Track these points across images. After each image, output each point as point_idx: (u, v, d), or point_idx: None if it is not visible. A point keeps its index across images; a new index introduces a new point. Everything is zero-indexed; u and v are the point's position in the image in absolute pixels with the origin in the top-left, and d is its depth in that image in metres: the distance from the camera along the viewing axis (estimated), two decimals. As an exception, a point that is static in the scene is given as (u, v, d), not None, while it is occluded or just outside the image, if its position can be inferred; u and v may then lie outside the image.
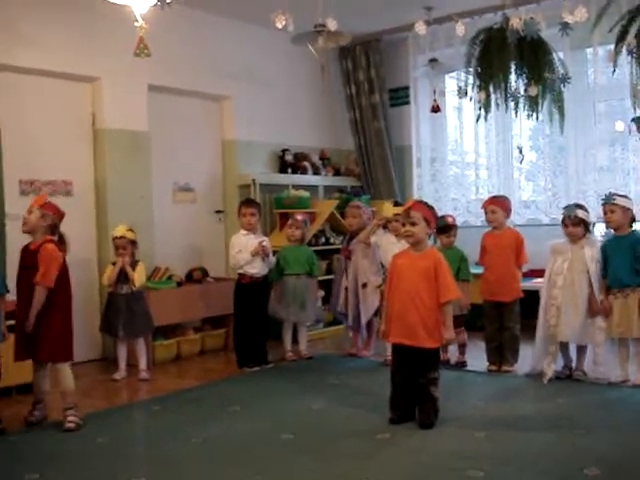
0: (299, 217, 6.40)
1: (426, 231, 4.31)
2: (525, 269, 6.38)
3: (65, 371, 4.43)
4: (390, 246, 5.87)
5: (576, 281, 5.09)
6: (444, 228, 5.77)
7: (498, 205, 5.64)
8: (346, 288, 6.18)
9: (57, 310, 4.39)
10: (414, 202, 4.44)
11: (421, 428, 4.14)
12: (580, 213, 5.16)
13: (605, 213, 5.08)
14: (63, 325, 4.43)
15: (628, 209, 5.04)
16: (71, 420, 4.36)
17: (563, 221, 5.22)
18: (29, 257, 4.41)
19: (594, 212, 7.02)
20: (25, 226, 4.50)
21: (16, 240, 5.68)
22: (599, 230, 6.59)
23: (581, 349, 5.28)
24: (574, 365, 5.30)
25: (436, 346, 4.24)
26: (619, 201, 5.02)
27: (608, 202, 5.04)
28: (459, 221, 7.64)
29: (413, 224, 4.25)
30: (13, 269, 5.43)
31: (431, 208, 4.45)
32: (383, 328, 4.42)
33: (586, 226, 5.17)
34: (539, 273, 5.71)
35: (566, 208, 5.28)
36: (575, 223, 5.14)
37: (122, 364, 5.79)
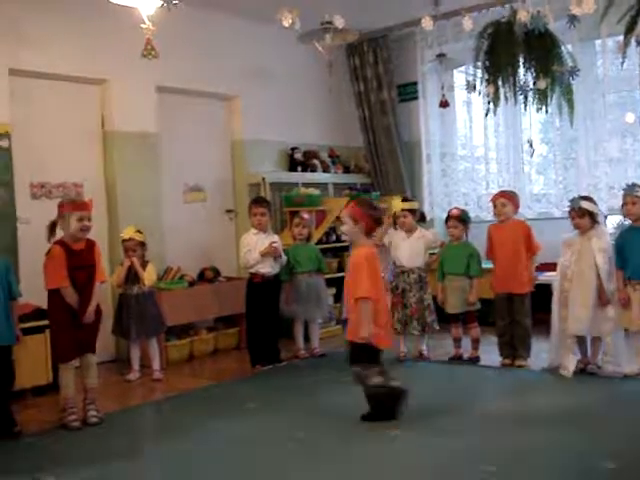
0: (305, 216, 6.41)
1: (354, 230, 4.40)
2: (537, 262, 6.37)
3: (95, 365, 4.64)
4: (400, 242, 5.87)
5: (585, 273, 5.08)
6: (446, 219, 5.91)
7: (508, 198, 5.62)
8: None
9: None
10: (350, 203, 4.59)
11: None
12: (585, 204, 5.14)
13: (625, 204, 5.04)
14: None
15: None
16: (95, 415, 4.49)
17: (569, 213, 5.22)
18: (77, 258, 4.50)
19: (606, 204, 7.02)
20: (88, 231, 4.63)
21: (28, 244, 5.73)
22: (612, 222, 6.57)
23: (595, 342, 5.25)
24: (589, 358, 5.28)
25: (358, 342, 4.28)
26: None
27: (630, 193, 5.00)
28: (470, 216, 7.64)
29: (342, 224, 4.45)
30: (26, 272, 5.49)
31: (363, 206, 4.49)
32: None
33: (593, 218, 5.15)
34: (550, 267, 5.69)
35: (571, 200, 5.28)
36: (581, 215, 5.13)
37: (135, 365, 5.81)
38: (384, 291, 4.60)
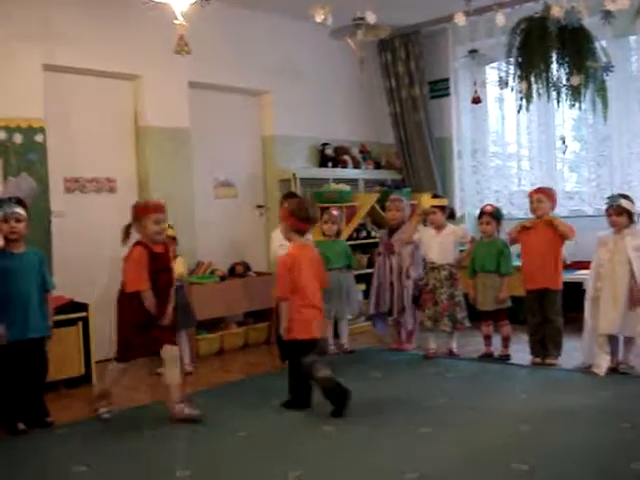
0: (335, 212, 6.41)
1: (282, 228, 4.68)
2: (569, 261, 6.32)
3: (177, 359, 4.52)
4: (430, 239, 5.86)
5: (617, 271, 5.03)
6: (479, 215, 5.89)
7: (545, 195, 5.58)
8: (391, 283, 6.15)
9: None
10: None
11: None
12: (624, 202, 5.10)
13: None
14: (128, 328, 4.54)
15: None
16: (189, 411, 4.39)
17: (607, 210, 5.17)
18: (158, 261, 4.47)
19: (639, 203, 6.93)
20: (162, 234, 4.55)
21: (62, 237, 5.81)
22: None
23: (628, 341, 5.20)
24: (621, 358, 5.23)
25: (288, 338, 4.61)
26: None
27: None
28: (501, 213, 7.60)
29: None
30: (59, 265, 5.57)
31: (290, 205, 4.71)
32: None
33: (630, 216, 5.09)
34: (583, 265, 5.65)
35: (610, 197, 5.24)
36: (618, 212, 5.08)
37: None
38: (313, 283, 4.64)
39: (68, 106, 6.11)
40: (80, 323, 5.39)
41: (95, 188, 6.24)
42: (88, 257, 6.15)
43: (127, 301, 4.41)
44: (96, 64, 6.15)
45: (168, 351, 4.42)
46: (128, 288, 4.39)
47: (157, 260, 4.45)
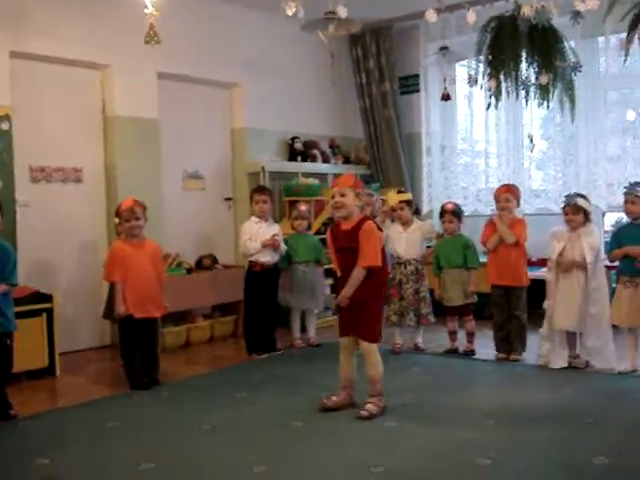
0: (303, 207, 6.41)
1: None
2: (534, 258, 6.39)
3: (375, 355, 4.29)
4: (397, 234, 5.88)
5: (573, 269, 5.13)
6: (440, 213, 5.96)
7: (513, 194, 5.64)
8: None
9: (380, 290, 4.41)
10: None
11: None
12: (580, 201, 5.19)
13: (625, 203, 5.05)
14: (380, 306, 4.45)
15: None
16: (367, 408, 4.20)
17: (564, 208, 5.26)
18: (343, 238, 4.31)
19: (604, 201, 7.03)
20: (343, 209, 4.31)
21: (27, 227, 5.74)
22: (610, 219, 6.59)
23: (583, 337, 5.28)
24: (578, 353, 5.31)
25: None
26: None
27: (631, 192, 5.00)
28: (469, 210, 7.67)
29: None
30: (24, 255, 5.50)
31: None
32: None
33: (586, 215, 5.19)
34: (547, 262, 5.70)
35: (567, 196, 5.33)
36: (575, 211, 5.17)
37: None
38: (135, 271, 4.95)
39: (35, 94, 6.02)
40: (45, 314, 5.33)
41: (61, 178, 6.16)
42: (53, 248, 6.09)
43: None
44: (64, 52, 6.07)
45: (362, 345, 4.33)
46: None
47: (338, 237, 4.38)
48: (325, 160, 8.08)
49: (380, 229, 4.40)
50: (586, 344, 5.22)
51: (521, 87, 5.55)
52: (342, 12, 5.26)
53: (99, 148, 6.46)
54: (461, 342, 5.89)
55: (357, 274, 4.20)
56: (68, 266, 6.20)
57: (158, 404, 4.66)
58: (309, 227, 6.45)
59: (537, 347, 5.46)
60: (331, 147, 8.35)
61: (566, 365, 5.20)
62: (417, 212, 6.29)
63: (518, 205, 5.72)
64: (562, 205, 5.31)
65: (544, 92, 5.53)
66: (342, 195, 4.29)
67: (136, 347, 5.00)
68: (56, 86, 6.16)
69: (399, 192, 6.18)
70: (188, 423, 4.17)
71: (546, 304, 5.25)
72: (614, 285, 5.32)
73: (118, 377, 5.19)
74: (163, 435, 4.00)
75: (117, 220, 5.38)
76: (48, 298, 5.38)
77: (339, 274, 4.38)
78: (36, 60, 5.97)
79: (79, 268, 6.28)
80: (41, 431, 4.14)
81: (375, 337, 4.29)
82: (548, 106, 5.64)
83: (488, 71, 5.61)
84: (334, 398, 4.38)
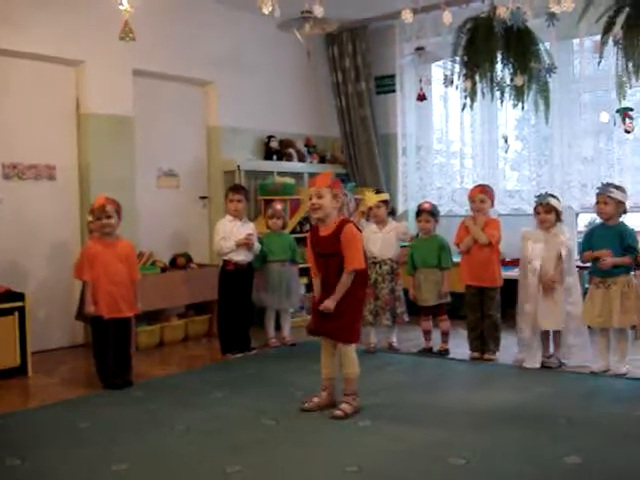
0: (278, 206, 6.41)
1: None
2: (508, 258, 6.44)
3: (352, 355, 4.27)
4: (372, 234, 5.89)
5: (546, 268, 5.18)
6: (417, 213, 5.98)
7: (488, 195, 5.66)
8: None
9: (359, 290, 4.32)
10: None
11: None
12: (552, 201, 5.25)
13: (598, 203, 5.08)
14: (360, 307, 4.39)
15: (621, 202, 5.03)
16: (341, 408, 4.19)
17: (535, 208, 5.31)
18: (324, 244, 4.25)
19: (578, 202, 7.09)
20: (320, 211, 4.24)
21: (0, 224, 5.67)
22: (583, 220, 6.64)
23: (557, 337, 5.33)
24: (551, 352, 5.36)
25: None
26: (616, 195, 4.99)
27: (603, 193, 5.04)
28: (444, 210, 7.68)
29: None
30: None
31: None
32: None
33: (557, 215, 5.24)
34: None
35: (539, 196, 5.38)
36: (547, 210, 5.23)
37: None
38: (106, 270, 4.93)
39: (7, 91, 5.95)
40: (16, 313, 5.27)
41: (34, 175, 6.09)
42: (26, 246, 6.02)
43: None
44: (38, 48, 5.99)
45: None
46: None
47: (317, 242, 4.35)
48: (301, 159, 8.07)
49: (359, 229, 4.38)
50: (567, 342, 5.27)
51: (496, 88, 5.57)
52: (318, 11, 5.25)
53: (73, 145, 6.40)
54: (435, 342, 5.91)
55: (345, 280, 4.17)
56: (40, 264, 6.14)
57: (131, 404, 4.62)
58: (284, 226, 6.44)
59: (511, 347, 5.50)
60: (307, 146, 8.33)
61: (539, 365, 5.24)
62: (392, 213, 6.30)
63: (492, 205, 5.76)
64: (534, 205, 5.36)
65: (519, 93, 5.56)
66: (319, 196, 4.24)
67: (108, 347, 4.96)
68: (29, 82, 6.08)
69: (377, 192, 6.19)
70: (161, 423, 4.14)
71: (527, 308, 5.26)
72: (587, 286, 5.38)
73: (91, 377, 5.14)
74: (136, 435, 3.97)
75: (90, 218, 5.34)
76: (20, 297, 5.32)
77: (319, 278, 4.35)
78: (9, 56, 5.89)
79: (51, 266, 6.21)
80: (12, 431, 4.09)
81: (353, 338, 4.28)
82: (523, 107, 5.67)
83: (464, 72, 5.63)
84: (315, 399, 4.36)
